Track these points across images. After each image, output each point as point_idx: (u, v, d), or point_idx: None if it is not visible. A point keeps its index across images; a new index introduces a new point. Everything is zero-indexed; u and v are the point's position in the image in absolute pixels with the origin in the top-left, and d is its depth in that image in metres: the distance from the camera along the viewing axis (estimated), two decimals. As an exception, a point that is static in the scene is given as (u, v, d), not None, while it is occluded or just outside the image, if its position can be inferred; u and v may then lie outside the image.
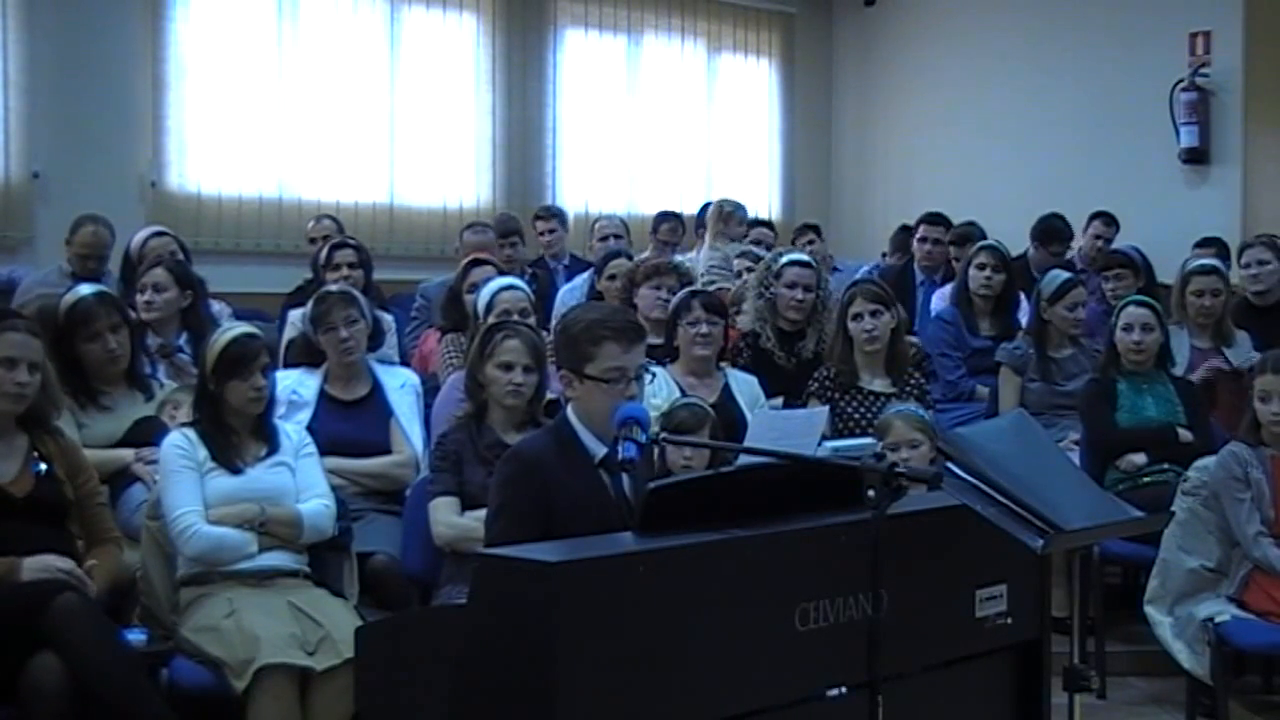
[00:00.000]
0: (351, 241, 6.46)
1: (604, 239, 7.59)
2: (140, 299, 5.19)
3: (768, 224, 8.69)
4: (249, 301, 6.72)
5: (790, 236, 8.77)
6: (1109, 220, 7.84)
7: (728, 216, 7.65)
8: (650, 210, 8.78)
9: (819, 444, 4.45)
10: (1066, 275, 5.93)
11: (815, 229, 8.67)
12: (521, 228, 7.57)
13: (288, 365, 5.05)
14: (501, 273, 5.65)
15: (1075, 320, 5.74)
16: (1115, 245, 7.48)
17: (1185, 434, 5.14)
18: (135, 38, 7.59)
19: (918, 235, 7.52)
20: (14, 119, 7.18)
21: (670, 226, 8.16)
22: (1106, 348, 5.36)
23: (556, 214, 8.08)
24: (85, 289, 4.61)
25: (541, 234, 7.90)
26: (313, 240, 6.97)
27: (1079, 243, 7.89)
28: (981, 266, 6.26)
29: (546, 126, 9.20)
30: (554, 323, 4.49)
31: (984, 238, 6.97)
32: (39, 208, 7.27)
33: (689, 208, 8.73)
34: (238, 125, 7.88)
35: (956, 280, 6.53)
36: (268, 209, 7.99)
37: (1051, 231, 7.52)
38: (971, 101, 9.71)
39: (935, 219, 7.58)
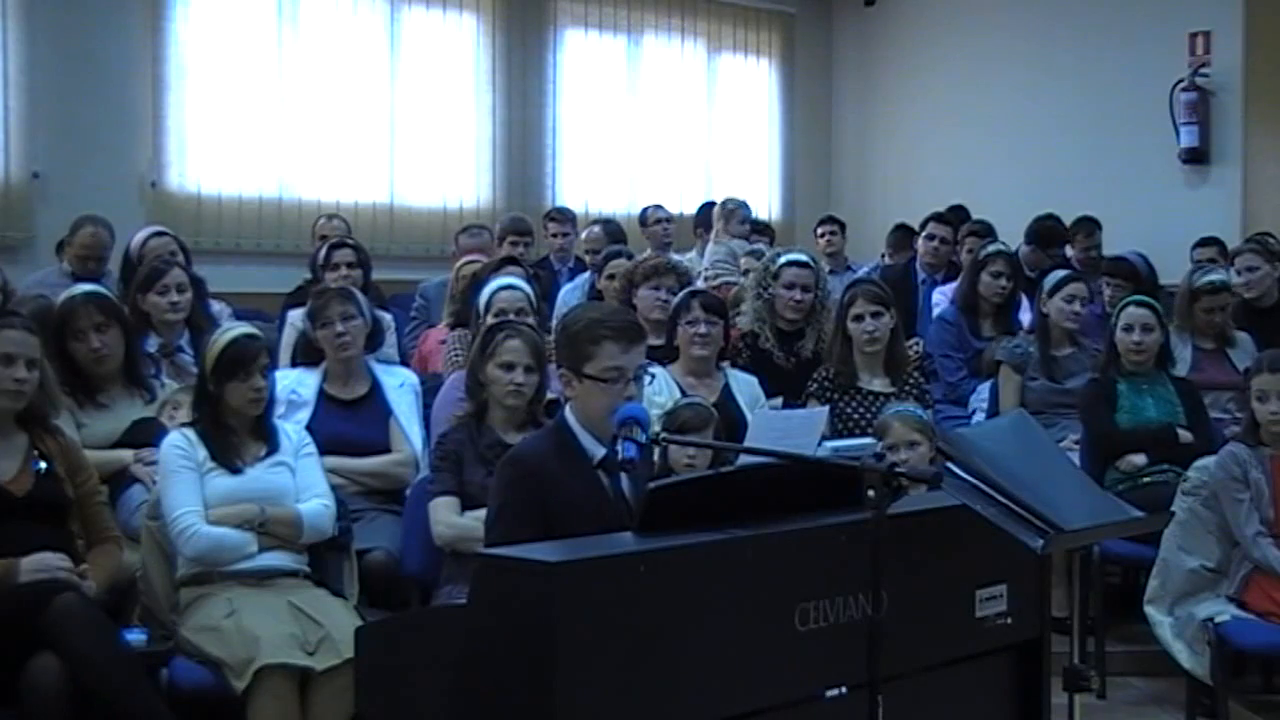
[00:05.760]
0: (350, 241, 6.46)
1: (589, 252, 7.56)
2: (163, 300, 5.17)
3: (765, 229, 8.63)
4: (249, 301, 6.72)
5: (808, 230, 8.75)
6: (1090, 230, 7.83)
7: (730, 214, 7.68)
8: (650, 210, 8.77)
9: (819, 444, 4.45)
10: (1068, 272, 5.96)
11: (839, 223, 8.65)
12: (533, 228, 7.57)
13: (293, 366, 5.04)
14: (527, 274, 5.66)
15: (1072, 313, 5.72)
16: (1119, 250, 7.46)
17: (1185, 434, 5.13)
18: (135, 38, 7.60)
19: (925, 233, 7.51)
20: (14, 119, 7.18)
21: (656, 216, 8.15)
22: (1106, 348, 5.35)
23: (570, 217, 8.08)
24: (77, 289, 4.61)
25: (553, 235, 7.90)
26: (324, 237, 6.94)
27: (1071, 252, 7.86)
28: (997, 274, 6.29)
29: (546, 126, 9.21)
30: (554, 322, 4.49)
31: (992, 234, 6.97)
32: (39, 208, 7.27)
33: (689, 207, 8.72)
34: (238, 125, 7.89)
35: (961, 281, 6.52)
36: (268, 209, 8.00)
37: (1052, 234, 7.54)
38: (971, 101, 9.71)
39: (943, 218, 7.58)
